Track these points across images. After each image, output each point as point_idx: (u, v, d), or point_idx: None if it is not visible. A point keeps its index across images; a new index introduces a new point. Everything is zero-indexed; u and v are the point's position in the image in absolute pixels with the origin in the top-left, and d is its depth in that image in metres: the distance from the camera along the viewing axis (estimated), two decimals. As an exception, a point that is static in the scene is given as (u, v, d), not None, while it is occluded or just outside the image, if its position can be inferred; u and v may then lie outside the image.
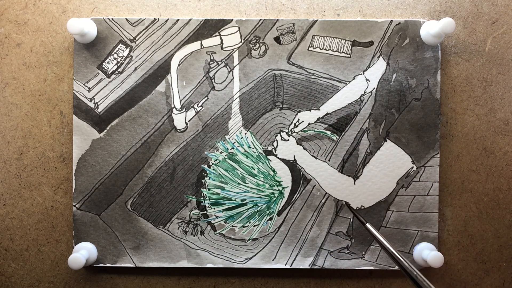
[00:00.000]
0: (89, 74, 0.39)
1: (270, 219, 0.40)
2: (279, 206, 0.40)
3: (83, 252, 0.37)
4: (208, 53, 0.40)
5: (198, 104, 0.40)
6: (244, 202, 0.40)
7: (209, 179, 0.40)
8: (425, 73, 0.39)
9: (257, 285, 0.40)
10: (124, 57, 0.39)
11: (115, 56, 0.39)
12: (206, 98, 0.40)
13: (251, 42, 0.39)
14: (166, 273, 0.40)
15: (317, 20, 0.39)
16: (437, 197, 0.39)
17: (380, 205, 0.40)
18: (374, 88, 0.40)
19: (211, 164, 0.40)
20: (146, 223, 0.40)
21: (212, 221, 0.40)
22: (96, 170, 0.39)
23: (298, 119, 0.40)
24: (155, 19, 0.39)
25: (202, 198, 0.40)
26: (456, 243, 0.40)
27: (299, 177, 0.40)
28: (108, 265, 0.39)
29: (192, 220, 0.40)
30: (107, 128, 0.39)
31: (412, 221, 0.39)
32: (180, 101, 0.40)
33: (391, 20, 0.39)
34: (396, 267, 0.30)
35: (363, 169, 0.40)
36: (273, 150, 0.40)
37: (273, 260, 0.40)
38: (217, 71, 0.40)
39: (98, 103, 0.39)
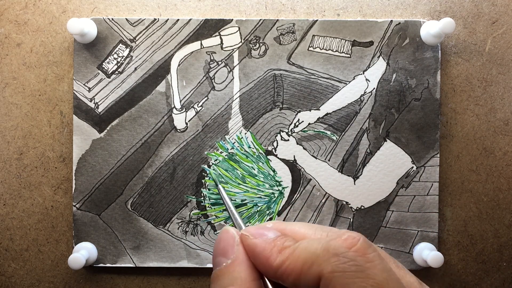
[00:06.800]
0: (89, 74, 0.39)
1: (270, 219, 0.40)
2: (279, 206, 0.40)
3: (83, 252, 0.37)
4: (208, 53, 0.40)
5: (198, 104, 0.40)
6: (244, 202, 0.40)
7: (209, 179, 0.40)
8: (425, 73, 0.39)
9: (257, 285, 0.40)
10: (124, 57, 0.39)
11: (115, 56, 0.39)
12: (206, 98, 0.40)
13: (251, 42, 0.39)
14: (166, 273, 0.40)
15: (317, 20, 0.39)
16: (437, 197, 0.39)
17: (380, 205, 0.40)
18: (374, 88, 0.40)
19: (211, 164, 0.40)
20: (146, 223, 0.40)
21: (212, 221, 0.40)
22: (96, 170, 0.39)
23: (298, 119, 0.40)
24: (155, 19, 0.39)
25: (202, 198, 0.40)
26: (456, 243, 0.40)
27: (299, 177, 0.40)
28: (108, 265, 0.39)
29: (192, 220, 0.40)
30: (107, 128, 0.39)
31: (412, 221, 0.39)
32: (180, 101, 0.40)
33: (391, 20, 0.39)
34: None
35: (363, 169, 0.40)
36: (273, 150, 0.40)
37: (273, 260, 0.40)
38: (217, 71, 0.40)
39: (98, 103, 0.39)
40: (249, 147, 0.40)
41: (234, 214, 0.31)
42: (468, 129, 0.40)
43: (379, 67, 0.39)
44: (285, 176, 0.40)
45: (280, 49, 0.39)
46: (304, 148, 0.40)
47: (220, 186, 0.37)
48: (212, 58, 0.40)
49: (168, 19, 0.39)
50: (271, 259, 0.23)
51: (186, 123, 0.40)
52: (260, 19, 0.39)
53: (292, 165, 0.40)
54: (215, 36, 0.39)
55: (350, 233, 0.21)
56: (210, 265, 0.39)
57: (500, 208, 0.40)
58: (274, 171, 0.40)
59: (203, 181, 0.40)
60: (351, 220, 0.40)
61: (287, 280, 0.22)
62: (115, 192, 0.40)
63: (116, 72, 0.39)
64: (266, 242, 0.24)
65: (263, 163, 0.40)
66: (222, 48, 0.40)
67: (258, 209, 0.40)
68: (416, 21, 0.39)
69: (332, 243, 0.21)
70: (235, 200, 0.40)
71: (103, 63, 0.39)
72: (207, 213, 0.40)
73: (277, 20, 0.39)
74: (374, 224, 0.40)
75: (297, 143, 0.40)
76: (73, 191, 0.39)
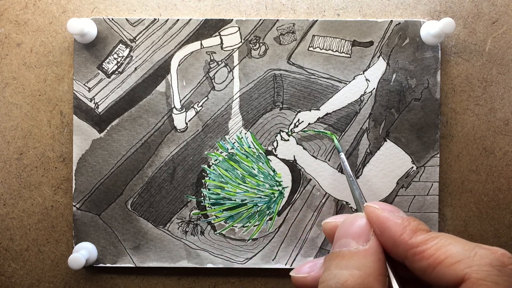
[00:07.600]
0: (89, 74, 0.39)
1: (270, 219, 0.40)
2: (279, 206, 0.40)
3: (83, 252, 0.37)
4: (208, 53, 0.40)
5: (198, 104, 0.40)
6: (244, 202, 0.40)
7: (209, 179, 0.40)
8: (425, 73, 0.39)
9: (257, 285, 0.40)
10: (124, 57, 0.39)
11: (115, 56, 0.39)
12: (206, 98, 0.40)
13: (251, 42, 0.39)
14: (166, 273, 0.40)
15: (317, 20, 0.39)
16: (437, 197, 0.39)
17: (380, 205, 0.40)
18: (374, 88, 0.40)
19: (211, 164, 0.40)
20: (146, 223, 0.40)
21: (212, 221, 0.40)
22: (96, 170, 0.39)
23: (298, 119, 0.40)
24: (155, 19, 0.39)
25: (202, 198, 0.40)
26: (456, 243, 0.40)
27: (299, 177, 0.40)
28: (108, 265, 0.39)
29: (192, 220, 0.40)
30: (107, 128, 0.39)
31: (412, 221, 0.39)
32: (180, 101, 0.40)
33: (391, 20, 0.39)
34: None
35: (363, 169, 0.40)
36: (273, 150, 0.40)
37: (273, 260, 0.40)
38: (217, 71, 0.40)
39: (98, 103, 0.39)
40: (249, 147, 0.40)
41: (356, 185, 0.30)
42: (468, 129, 0.40)
43: (379, 67, 0.39)
44: (285, 176, 0.40)
45: (280, 49, 0.39)
46: (304, 148, 0.40)
47: (342, 154, 0.36)
48: (212, 58, 0.40)
49: (168, 19, 0.39)
50: (404, 235, 0.23)
51: (186, 123, 0.40)
52: (260, 19, 0.39)
53: (292, 165, 0.40)
54: (215, 36, 0.39)
55: (503, 250, 0.22)
56: (210, 265, 0.39)
57: (500, 208, 0.40)
58: (274, 171, 0.40)
59: (203, 181, 0.40)
60: (351, 220, 0.40)
61: (418, 263, 0.22)
62: (115, 192, 0.40)
63: (116, 72, 0.39)
64: (398, 218, 0.24)
65: (263, 163, 0.40)
66: (222, 48, 0.40)
67: (258, 209, 0.40)
68: (416, 21, 0.39)
69: (485, 252, 0.21)
70: (235, 200, 0.40)
71: (103, 63, 0.39)
72: (207, 213, 0.40)
73: (277, 20, 0.39)
74: (374, 224, 0.39)
75: (297, 143, 0.40)
76: (73, 191, 0.39)
